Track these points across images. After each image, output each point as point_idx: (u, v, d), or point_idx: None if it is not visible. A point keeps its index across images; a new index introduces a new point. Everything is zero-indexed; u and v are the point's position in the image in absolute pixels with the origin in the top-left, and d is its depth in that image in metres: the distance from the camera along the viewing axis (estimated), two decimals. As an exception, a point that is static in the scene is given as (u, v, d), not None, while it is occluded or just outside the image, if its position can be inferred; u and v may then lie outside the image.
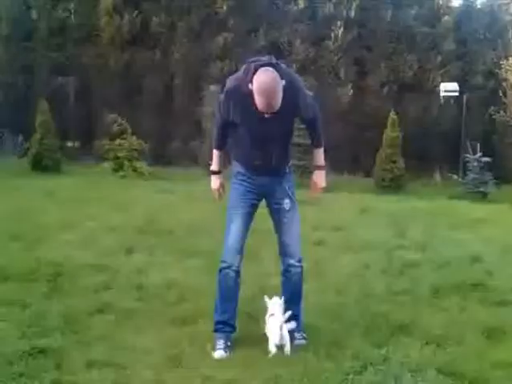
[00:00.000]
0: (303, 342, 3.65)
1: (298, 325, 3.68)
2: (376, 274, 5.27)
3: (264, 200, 3.70)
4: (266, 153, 3.52)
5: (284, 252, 3.72)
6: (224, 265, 3.61)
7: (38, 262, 4.96)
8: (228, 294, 3.64)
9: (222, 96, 3.52)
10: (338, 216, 8.11)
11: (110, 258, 5.34)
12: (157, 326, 3.86)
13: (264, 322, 3.58)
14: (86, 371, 3.13)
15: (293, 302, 3.67)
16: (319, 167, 3.74)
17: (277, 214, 3.67)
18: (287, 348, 3.47)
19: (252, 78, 3.28)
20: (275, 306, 3.53)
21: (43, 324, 3.72)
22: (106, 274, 4.84)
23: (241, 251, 3.63)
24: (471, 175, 11.28)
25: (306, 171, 11.76)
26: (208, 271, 4.50)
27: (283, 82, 3.29)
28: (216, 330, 3.61)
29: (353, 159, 13.85)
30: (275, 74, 3.28)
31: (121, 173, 11.58)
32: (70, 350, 3.37)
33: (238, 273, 3.63)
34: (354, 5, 13.50)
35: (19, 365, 3.14)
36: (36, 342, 3.40)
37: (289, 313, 3.49)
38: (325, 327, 3.89)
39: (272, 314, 3.51)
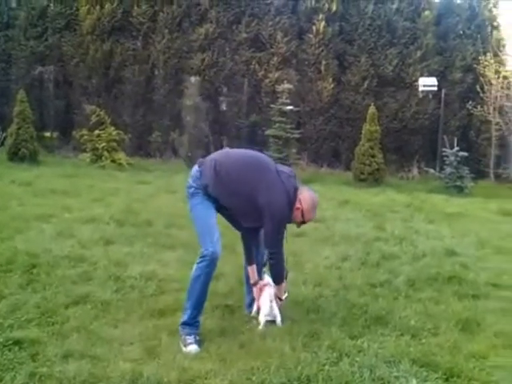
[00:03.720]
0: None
1: None
2: (354, 265, 5.32)
3: None
4: None
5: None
6: (215, 255, 3.59)
7: (15, 252, 4.92)
8: (208, 286, 3.67)
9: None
10: (317, 209, 8.12)
11: (88, 249, 5.32)
12: (135, 317, 3.87)
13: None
14: (62, 363, 3.13)
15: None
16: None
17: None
18: (278, 320, 3.76)
19: (295, 199, 3.70)
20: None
21: (19, 315, 3.70)
22: (84, 266, 4.81)
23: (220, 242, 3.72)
24: (448, 169, 11.39)
25: (286, 164, 11.85)
26: (186, 263, 4.49)
27: None
28: (190, 325, 3.59)
29: (333, 153, 13.90)
30: None
31: (99, 164, 11.49)
32: (46, 342, 3.36)
33: None
34: (336, -2, 13.51)
35: (-6, 356, 3.13)
36: (11, 334, 3.39)
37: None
38: (302, 318, 3.92)
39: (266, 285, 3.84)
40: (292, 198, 3.70)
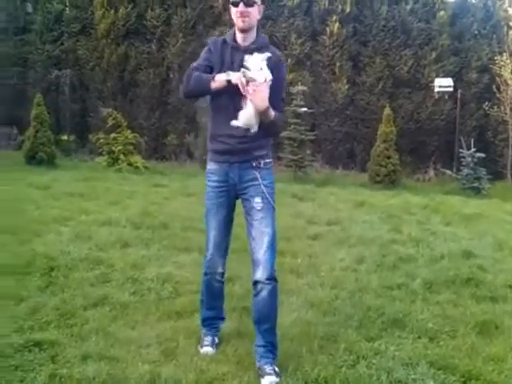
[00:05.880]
0: (274, 378, 3.10)
1: (268, 355, 3.23)
2: (370, 268, 5.30)
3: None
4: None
5: (252, 261, 3.28)
6: (207, 270, 3.51)
7: (33, 255, 4.98)
8: (214, 293, 3.58)
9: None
10: (333, 210, 8.14)
11: (105, 252, 5.36)
12: (152, 319, 3.90)
13: None
14: (81, 364, 3.16)
15: (260, 322, 3.29)
16: None
17: (247, 213, 3.28)
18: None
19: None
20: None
21: (38, 317, 3.75)
22: (101, 268, 4.85)
23: (223, 256, 3.48)
24: (465, 171, 11.31)
25: (300, 165, 11.85)
26: (202, 266, 4.49)
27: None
28: (204, 326, 3.59)
29: (348, 154, 13.87)
30: None
31: (116, 167, 11.56)
32: (65, 344, 3.40)
33: (222, 275, 3.53)
34: (350, 0, 13.49)
35: (15, 358, 3.18)
36: (31, 336, 3.44)
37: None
38: (319, 321, 3.93)
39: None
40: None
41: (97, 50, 14.11)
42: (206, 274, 3.53)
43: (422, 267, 5.36)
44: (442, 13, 13.58)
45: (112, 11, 13.83)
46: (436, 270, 5.26)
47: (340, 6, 13.51)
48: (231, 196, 3.35)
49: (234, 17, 3.24)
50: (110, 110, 12.51)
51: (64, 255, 5.08)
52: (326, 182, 11.26)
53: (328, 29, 13.42)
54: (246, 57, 3.15)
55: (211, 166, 3.39)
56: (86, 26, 14.32)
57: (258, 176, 3.25)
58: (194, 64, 3.33)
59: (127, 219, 6.62)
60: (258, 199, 3.23)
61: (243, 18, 3.19)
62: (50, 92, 13.72)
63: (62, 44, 14.34)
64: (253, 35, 3.31)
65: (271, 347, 3.25)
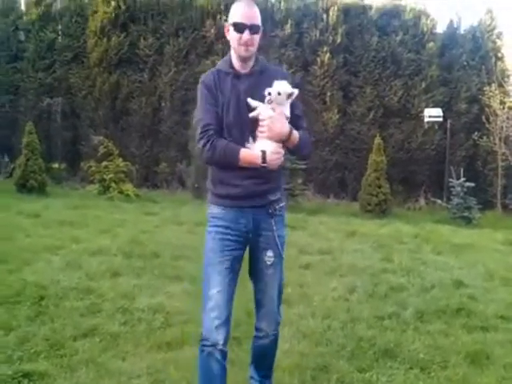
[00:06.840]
0: None
1: None
2: (362, 297, 5.30)
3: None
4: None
5: (257, 312, 3.05)
6: (206, 343, 2.80)
7: (23, 284, 4.94)
8: (212, 378, 2.83)
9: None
10: (324, 240, 8.14)
11: (96, 281, 5.33)
12: (142, 350, 3.86)
13: None
14: (70, 396, 3.13)
15: (257, 360, 3.18)
16: None
17: (256, 263, 2.98)
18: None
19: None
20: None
21: (28, 348, 3.71)
22: (92, 298, 4.82)
23: (226, 323, 2.83)
24: (455, 200, 11.37)
25: (292, 194, 11.86)
26: (193, 296, 4.50)
27: None
28: None
29: (339, 183, 13.94)
30: None
31: (107, 195, 11.55)
32: (54, 375, 3.37)
33: (224, 353, 2.82)
34: (340, 31, 13.70)
35: (3, 390, 3.14)
36: (20, 367, 3.40)
37: None
38: (311, 351, 3.91)
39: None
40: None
41: (89, 79, 14.20)
42: (203, 349, 2.82)
43: (412, 296, 5.36)
44: (431, 44, 13.81)
45: (104, 40, 13.95)
46: (427, 299, 5.26)
47: (331, 37, 13.72)
48: (240, 247, 2.91)
49: (234, 42, 2.87)
50: (102, 138, 12.56)
51: (54, 284, 5.05)
52: (318, 210, 11.28)
53: (319, 59, 13.60)
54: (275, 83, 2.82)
55: (215, 209, 2.91)
56: (78, 55, 14.43)
57: (273, 224, 2.90)
58: (203, 120, 2.86)
59: (118, 248, 6.59)
60: (270, 253, 2.92)
61: (247, 47, 2.84)
62: (41, 120, 13.74)
63: (54, 72, 14.42)
64: (252, 61, 2.95)
65: (265, 380, 3.18)
